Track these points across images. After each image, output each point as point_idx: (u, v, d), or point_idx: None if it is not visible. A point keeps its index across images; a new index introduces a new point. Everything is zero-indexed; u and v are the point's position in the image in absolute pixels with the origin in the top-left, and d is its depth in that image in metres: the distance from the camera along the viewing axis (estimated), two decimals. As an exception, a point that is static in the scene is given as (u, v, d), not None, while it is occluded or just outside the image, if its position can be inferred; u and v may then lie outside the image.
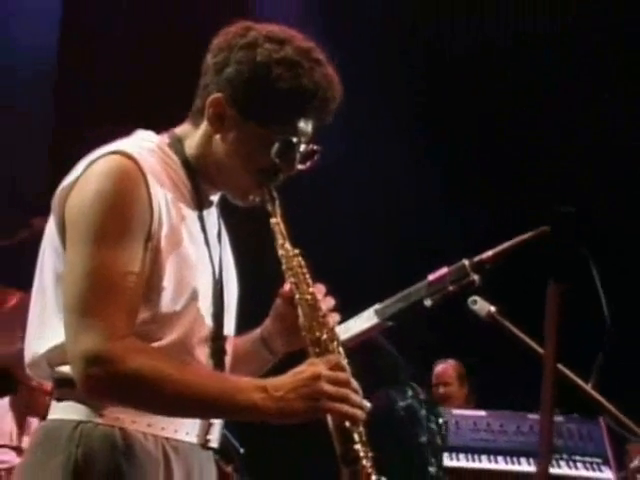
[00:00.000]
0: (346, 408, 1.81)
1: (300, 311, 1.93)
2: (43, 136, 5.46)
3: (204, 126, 1.97)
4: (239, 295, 2.12)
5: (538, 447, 1.66)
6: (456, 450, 3.94)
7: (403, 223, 6.06)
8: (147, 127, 2.04)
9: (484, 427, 3.95)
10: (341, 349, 1.91)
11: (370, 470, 1.82)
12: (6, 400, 4.24)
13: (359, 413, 1.82)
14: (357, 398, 1.82)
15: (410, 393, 3.14)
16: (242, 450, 3.91)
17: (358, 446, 1.82)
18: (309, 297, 1.93)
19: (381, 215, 6.11)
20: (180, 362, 1.83)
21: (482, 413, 4.13)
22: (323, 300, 1.97)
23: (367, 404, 1.84)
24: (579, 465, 4.01)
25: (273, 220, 1.97)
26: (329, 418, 1.83)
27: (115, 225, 1.81)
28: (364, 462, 1.83)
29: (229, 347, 2.00)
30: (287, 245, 1.96)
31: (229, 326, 2.02)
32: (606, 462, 4.00)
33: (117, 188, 1.82)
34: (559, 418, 3.93)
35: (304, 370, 1.83)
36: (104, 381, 1.77)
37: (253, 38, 1.94)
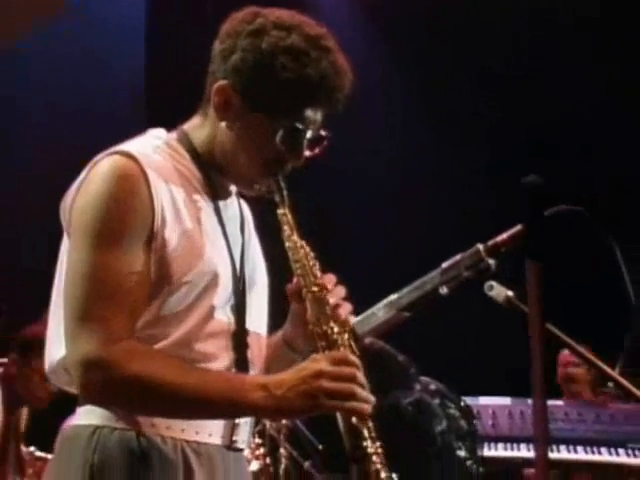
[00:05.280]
0: (349, 404, 1.79)
1: (307, 304, 1.91)
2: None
3: (211, 114, 1.98)
4: (270, 288, 2.12)
5: (534, 433, 1.60)
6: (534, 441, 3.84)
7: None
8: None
9: (562, 417, 3.83)
10: (352, 342, 1.88)
11: (380, 467, 1.80)
12: None
13: (365, 407, 1.80)
14: (362, 393, 1.80)
15: (418, 387, 3.09)
16: (320, 447, 3.90)
17: (367, 442, 1.80)
18: (316, 289, 1.91)
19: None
20: (181, 363, 1.84)
21: (559, 402, 4.01)
22: (333, 290, 1.94)
23: (373, 398, 1.81)
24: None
25: (280, 211, 1.95)
26: (338, 415, 1.81)
27: (113, 227, 1.83)
28: (374, 458, 1.80)
29: (254, 341, 2.00)
30: (294, 237, 1.94)
31: (255, 320, 2.02)
32: None
33: (115, 189, 1.84)
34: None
35: (305, 367, 1.82)
36: (102, 386, 1.79)
37: (260, 25, 1.93)
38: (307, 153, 1.97)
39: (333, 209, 5.84)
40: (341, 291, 1.95)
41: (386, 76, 5.92)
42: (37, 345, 3.99)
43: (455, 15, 6.08)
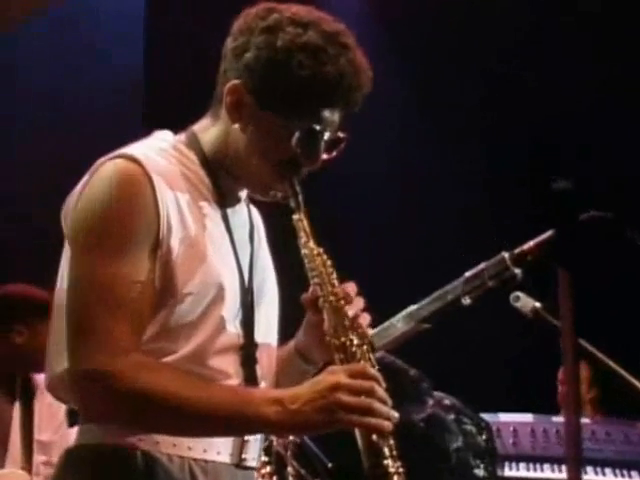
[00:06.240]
0: (368, 420, 1.74)
1: (325, 315, 1.87)
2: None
3: (223, 116, 1.94)
4: (280, 299, 2.08)
5: (565, 453, 1.57)
6: (558, 462, 3.81)
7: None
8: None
9: (588, 436, 3.78)
10: (371, 355, 1.84)
11: None
12: None
13: (385, 424, 1.76)
14: (383, 408, 1.76)
15: (431, 402, 3.05)
16: (330, 464, 3.87)
17: (388, 461, 1.76)
18: (333, 299, 1.87)
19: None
20: (190, 376, 1.80)
21: (586, 420, 3.97)
22: (353, 301, 1.89)
23: (395, 414, 1.77)
24: None
25: (296, 216, 1.91)
26: (356, 431, 1.77)
27: (117, 234, 1.80)
28: (395, 478, 1.76)
29: (263, 355, 1.96)
30: (311, 243, 1.90)
31: (264, 333, 1.98)
32: None
33: (119, 195, 1.81)
34: None
35: (322, 380, 1.78)
36: (106, 401, 1.76)
37: (275, 21, 1.89)
38: (324, 156, 1.94)
39: (331, 211, 5.83)
40: (360, 302, 1.91)
41: (387, 75, 5.93)
42: (29, 304, 3.81)
43: (456, 13, 6.09)
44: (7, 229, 5.50)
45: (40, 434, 3.83)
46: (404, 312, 2.07)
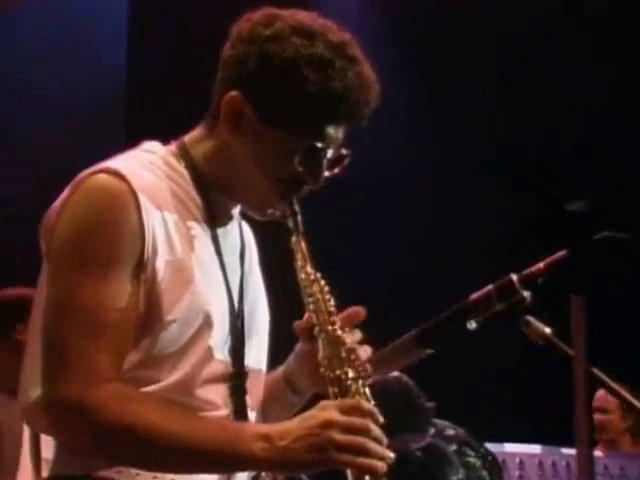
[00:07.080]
0: (361, 460, 1.70)
1: (320, 344, 1.83)
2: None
3: (219, 127, 1.89)
4: (271, 324, 2.04)
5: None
6: (568, 497, 3.75)
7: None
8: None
9: (601, 471, 3.72)
10: (367, 390, 1.80)
11: None
12: None
13: (379, 465, 1.72)
14: (377, 448, 1.72)
15: (432, 432, 3.00)
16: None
17: None
18: (330, 328, 1.83)
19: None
20: (174, 408, 1.76)
21: (598, 454, 3.91)
22: (352, 331, 1.86)
23: (390, 455, 1.73)
24: None
25: (294, 238, 1.87)
26: (348, 471, 1.73)
27: (99, 255, 1.75)
28: None
29: (253, 384, 1.92)
30: (308, 268, 1.86)
31: (255, 360, 1.94)
32: None
33: (101, 213, 1.77)
34: None
35: (313, 416, 1.74)
36: (84, 433, 1.72)
37: (279, 30, 1.85)
38: (326, 173, 1.90)
39: (331, 224, 5.84)
40: (357, 334, 1.88)
41: (391, 75, 5.94)
42: (26, 304, 3.99)
43: (460, 15, 6.12)
44: (7, 229, 5.59)
45: (46, 451, 3.79)
46: (406, 336, 2.02)
